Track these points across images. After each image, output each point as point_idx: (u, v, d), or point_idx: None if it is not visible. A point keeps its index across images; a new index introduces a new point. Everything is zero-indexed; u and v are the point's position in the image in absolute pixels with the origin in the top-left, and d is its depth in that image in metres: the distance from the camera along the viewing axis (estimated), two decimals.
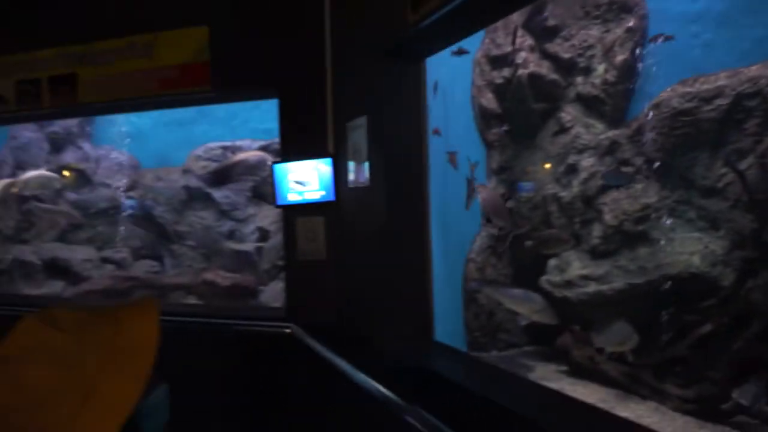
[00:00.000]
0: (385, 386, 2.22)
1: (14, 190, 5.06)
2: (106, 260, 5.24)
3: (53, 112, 4.30)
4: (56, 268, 5.11)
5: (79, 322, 0.85)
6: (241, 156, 5.14)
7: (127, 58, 3.82)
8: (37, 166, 5.24)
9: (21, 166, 5.22)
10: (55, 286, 5.03)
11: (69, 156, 5.45)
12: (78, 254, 5.21)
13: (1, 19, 4.26)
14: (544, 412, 1.93)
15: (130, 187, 5.37)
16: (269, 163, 5.08)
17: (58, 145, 5.44)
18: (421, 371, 2.44)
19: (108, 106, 4.09)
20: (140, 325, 0.86)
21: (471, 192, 3.09)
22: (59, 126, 5.39)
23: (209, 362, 3.49)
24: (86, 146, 5.56)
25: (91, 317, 0.87)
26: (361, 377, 2.37)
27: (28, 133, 5.29)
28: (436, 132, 2.95)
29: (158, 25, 3.70)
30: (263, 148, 5.19)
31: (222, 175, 5.24)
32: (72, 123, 5.41)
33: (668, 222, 2.54)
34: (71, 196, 5.42)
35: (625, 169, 2.72)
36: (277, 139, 4.90)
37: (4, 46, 4.22)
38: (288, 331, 3.26)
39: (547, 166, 2.97)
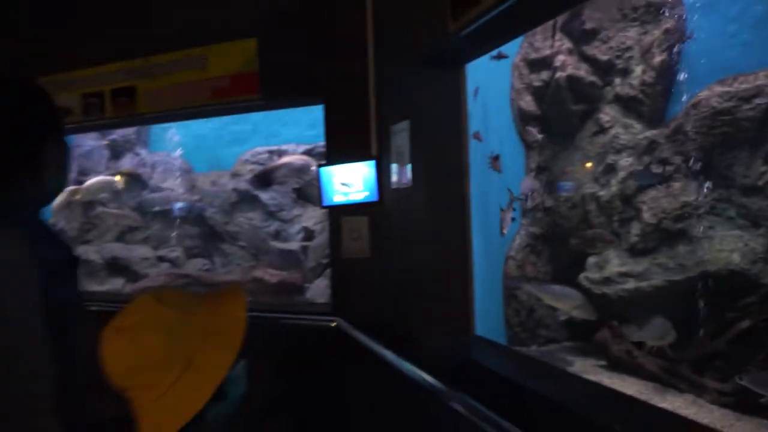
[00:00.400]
0: (427, 372, 2.34)
1: (77, 196, 5.45)
2: (161, 259, 5.56)
3: (114, 122, 4.63)
4: (116, 267, 5.46)
5: (182, 302, 1.02)
6: (285, 159, 5.36)
7: (182, 70, 4.08)
8: (98, 173, 5.61)
9: (84, 172, 5.60)
10: (116, 283, 5.38)
11: (127, 162, 5.81)
12: (136, 253, 5.56)
13: (68, 38, 4.62)
14: (583, 401, 2.00)
15: (184, 191, 5.68)
16: (312, 166, 5.28)
17: (117, 151, 5.81)
18: (464, 362, 2.55)
19: (164, 115, 4.37)
20: (233, 308, 1.03)
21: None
22: (118, 134, 5.75)
23: (259, 353, 3.69)
24: (143, 152, 5.91)
25: (192, 299, 1.05)
26: (406, 366, 2.49)
27: (90, 141, 5.67)
28: (477, 137, 3.06)
29: (211, 38, 3.94)
30: (307, 152, 5.40)
31: (267, 178, 5.47)
32: (130, 131, 5.77)
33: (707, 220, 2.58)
34: (129, 199, 5.78)
35: (662, 168, 2.76)
36: (320, 143, 5.11)
37: (71, 63, 4.57)
38: (333, 324, 3.43)
39: (588, 165, 3.03)
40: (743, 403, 2.39)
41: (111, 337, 0.96)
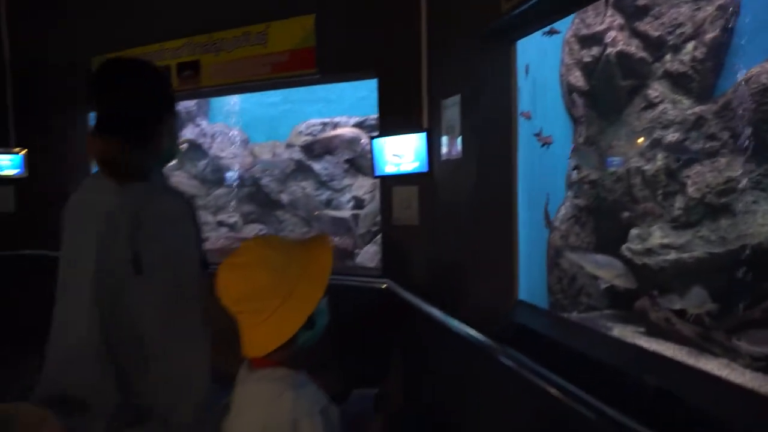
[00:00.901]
0: (472, 328, 2.53)
1: None
2: (220, 223, 5.94)
3: (180, 94, 4.93)
4: None
5: (284, 245, 1.26)
6: (337, 131, 5.58)
7: (243, 46, 4.31)
8: None
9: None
10: None
11: (189, 132, 6.16)
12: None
13: (135, 15, 4.92)
14: (620, 359, 2.14)
15: (241, 160, 6.01)
16: (362, 139, 5.47)
17: (180, 122, 6.17)
18: (507, 323, 2.72)
19: (226, 88, 4.64)
20: (321, 253, 1.26)
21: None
22: (181, 106, 6.10)
23: None
24: (203, 123, 6.25)
25: (291, 244, 1.28)
26: (453, 322, 2.69)
27: None
28: (526, 115, 3.15)
29: (270, 15, 4.15)
30: (359, 124, 5.60)
31: (319, 148, 5.72)
32: (191, 103, 6.10)
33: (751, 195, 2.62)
34: (190, 167, 6.16)
35: (710, 143, 2.81)
36: (371, 116, 5.29)
37: (139, 39, 4.87)
38: (384, 286, 3.67)
39: (638, 141, 3.06)
40: None
41: (226, 272, 1.22)
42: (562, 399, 1.78)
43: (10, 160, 5.30)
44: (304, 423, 1.13)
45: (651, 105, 3.05)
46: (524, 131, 3.00)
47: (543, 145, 3.38)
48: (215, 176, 6.11)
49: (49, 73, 5.39)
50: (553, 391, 1.84)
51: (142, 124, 1.44)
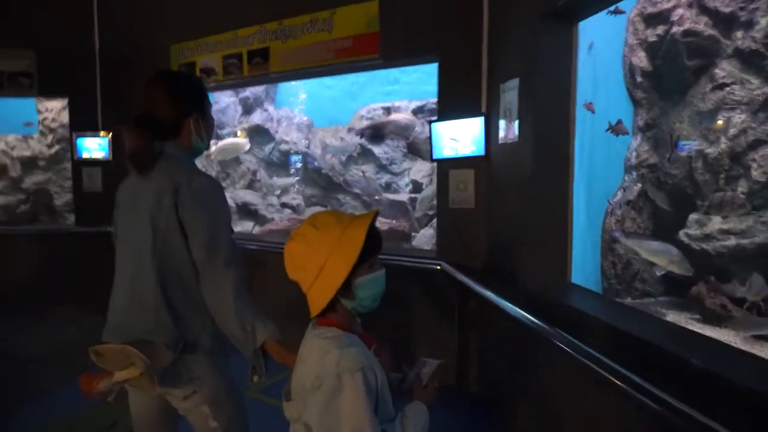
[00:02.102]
0: (525, 310, 2.56)
1: (211, 156, 6.12)
2: (284, 205, 6.21)
3: (250, 80, 5.20)
4: (247, 211, 6.20)
5: (326, 223, 1.39)
6: (392, 117, 5.68)
7: (310, 33, 4.49)
8: (233, 126, 6.32)
9: (220, 126, 6.34)
10: (247, 225, 6.12)
11: (257, 116, 6.45)
12: (263, 200, 6.26)
13: (211, 5, 5.22)
14: (677, 344, 2.09)
15: (306, 143, 6.25)
16: (416, 126, 5.55)
17: (248, 107, 6.47)
18: (560, 305, 2.73)
19: (294, 74, 4.84)
20: (355, 230, 1.34)
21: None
22: (249, 92, 6.39)
23: None
24: (270, 108, 6.53)
25: (335, 220, 1.39)
26: (505, 303, 2.73)
27: (225, 98, 6.37)
28: (589, 107, 3.10)
29: (336, 1, 4.29)
30: (419, 108, 5.67)
31: (377, 133, 5.84)
32: (259, 89, 6.38)
33: None
34: (257, 152, 6.46)
35: None
36: (432, 99, 5.35)
37: (213, 28, 5.17)
38: (438, 267, 3.76)
39: (719, 123, 2.91)
40: None
41: (287, 242, 1.40)
42: (615, 382, 1.79)
43: (98, 144, 5.79)
44: (346, 377, 1.26)
45: (717, 85, 2.93)
46: (581, 117, 2.96)
47: (617, 135, 3.31)
48: (280, 160, 6.38)
49: (132, 62, 5.82)
50: (604, 373, 1.85)
51: (164, 124, 1.83)
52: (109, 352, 1.67)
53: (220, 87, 5.51)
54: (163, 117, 1.82)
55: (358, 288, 1.36)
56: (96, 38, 5.89)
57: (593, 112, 3.20)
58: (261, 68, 4.90)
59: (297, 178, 6.24)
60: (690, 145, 3.09)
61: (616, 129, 3.28)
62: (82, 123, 5.87)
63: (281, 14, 4.64)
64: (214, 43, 5.21)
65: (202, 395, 1.79)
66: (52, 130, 7.32)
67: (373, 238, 1.38)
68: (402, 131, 5.67)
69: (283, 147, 6.33)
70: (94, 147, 5.81)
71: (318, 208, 6.08)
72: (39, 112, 7.39)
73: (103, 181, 5.92)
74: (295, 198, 6.16)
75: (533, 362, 2.82)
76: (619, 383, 1.79)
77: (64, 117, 6.61)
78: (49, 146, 7.36)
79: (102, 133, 5.83)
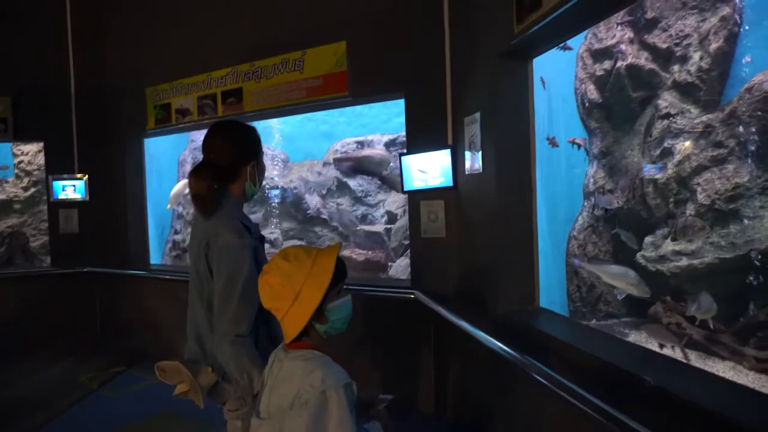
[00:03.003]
0: (496, 338, 2.63)
1: (187, 191, 6.21)
2: (261, 239, 6.25)
3: (225, 119, 5.30)
4: None
5: (297, 256, 1.51)
6: (366, 152, 5.83)
7: (282, 73, 4.64)
8: None
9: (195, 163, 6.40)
10: None
11: None
12: None
13: (185, 48, 5.36)
14: (634, 363, 2.19)
15: (282, 178, 6.34)
16: (390, 160, 5.70)
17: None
18: (528, 330, 2.82)
19: (267, 112, 4.97)
20: (324, 260, 1.49)
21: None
22: None
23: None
24: None
25: (304, 253, 1.52)
26: (476, 331, 2.80)
27: (201, 136, 6.45)
28: (553, 142, 3.28)
29: (306, 43, 4.45)
30: (391, 141, 5.82)
31: (347, 167, 5.97)
32: None
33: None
34: None
35: (718, 151, 2.85)
36: (402, 133, 5.51)
37: (187, 70, 5.31)
38: (411, 296, 3.83)
39: (653, 151, 3.06)
40: None
41: (260, 276, 1.52)
42: (582, 407, 1.86)
43: (74, 185, 5.82)
44: (332, 393, 1.38)
45: (661, 115, 3.12)
46: (541, 147, 3.11)
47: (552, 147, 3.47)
48: (259, 195, 6.46)
49: (108, 104, 5.92)
50: (572, 400, 1.92)
51: (224, 171, 1.99)
52: (168, 368, 1.93)
53: (196, 127, 5.61)
54: (223, 163, 1.99)
55: (331, 312, 1.49)
56: (72, 81, 5.99)
57: (557, 146, 3.38)
58: (235, 108, 5.03)
59: (274, 212, 6.31)
60: (654, 170, 3.25)
61: (552, 142, 3.46)
62: (58, 165, 5.91)
63: (253, 56, 4.79)
64: (189, 85, 5.34)
65: (243, 412, 1.99)
66: (28, 173, 7.33)
67: (340, 266, 1.51)
68: (376, 167, 5.79)
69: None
70: (71, 189, 5.84)
71: (295, 242, 6.14)
72: (15, 155, 7.40)
73: (80, 222, 5.94)
74: (273, 232, 6.22)
75: (507, 388, 2.88)
76: (584, 408, 1.85)
77: (41, 159, 6.64)
78: (25, 189, 7.35)
79: (78, 175, 5.87)
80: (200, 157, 2.13)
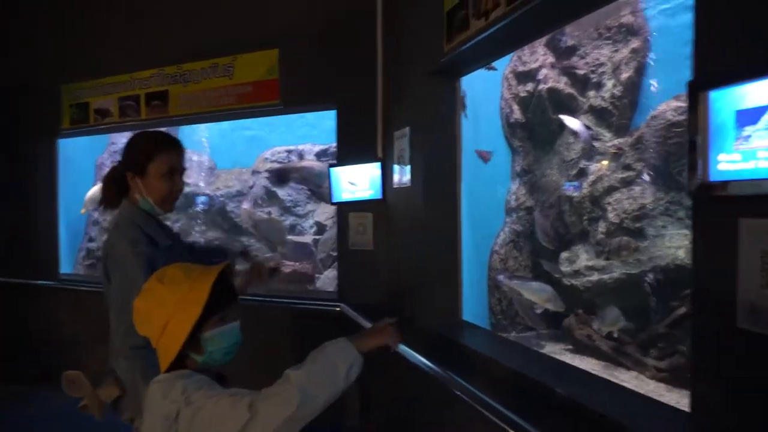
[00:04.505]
0: (421, 354, 2.65)
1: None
2: (190, 248, 5.99)
3: (148, 123, 5.07)
4: None
5: (174, 277, 1.34)
6: (305, 163, 5.76)
7: (210, 78, 4.50)
8: None
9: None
10: None
11: None
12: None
13: (106, 46, 5.09)
14: (548, 374, 2.29)
15: (208, 186, 6.13)
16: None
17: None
18: (451, 343, 2.86)
19: (194, 117, 4.80)
20: (201, 283, 1.31)
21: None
22: None
23: (272, 333, 4.10)
24: None
25: (182, 274, 1.34)
26: (400, 345, 2.81)
27: (123, 139, 6.14)
28: (482, 155, 3.36)
29: (237, 48, 4.35)
30: (322, 152, 5.78)
31: (286, 177, 5.86)
32: (161, 131, 6.22)
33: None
34: None
35: (627, 173, 3.08)
36: (333, 144, 5.48)
37: (109, 69, 5.04)
38: (338, 309, 3.80)
39: (570, 171, 3.23)
40: (675, 378, 2.70)
41: (136, 298, 1.38)
42: (502, 425, 1.90)
43: None
44: (196, 397, 1.24)
45: (578, 137, 3.31)
46: (467, 161, 3.20)
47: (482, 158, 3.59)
48: (181, 202, 6.20)
49: (18, 102, 5.49)
50: (491, 416, 1.96)
51: (118, 179, 1.98)
52: (72, 378, 1.91)
53: (117, 129, 5.32)
54: (118, 171, 1.99)
55: (207, 342, 1.33)
56: None
57: (487, 159, 3.48)
58: (160, 111, 4.82)
59: (199, 220, 6.08)
60: (574, 186, 3.42)
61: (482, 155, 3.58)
62: None
63: (180, 59, 4.62)
64: (110, 85, 5.06)
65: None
66: None
67: (226, 288, 1.37)
68: (315, 178, 5.72)
69: (185, 189, 6.16)
70: None
71: None
72: None
73: None
74: (196, 242, 5.98)
75: (431, 403, 2.90)
76: (504, 425, 1.89)
77: None
78: None
79: None
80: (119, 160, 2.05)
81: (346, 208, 3.93)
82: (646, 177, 3.03)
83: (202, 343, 1.33)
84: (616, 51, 3.29)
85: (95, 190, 5.86)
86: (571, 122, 3.16)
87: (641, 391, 2.14)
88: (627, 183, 3.12)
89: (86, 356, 3.86)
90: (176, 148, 2.05)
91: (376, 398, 3.77)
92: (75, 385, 1.91)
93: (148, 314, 1.34)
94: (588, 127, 3.21)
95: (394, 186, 3.47)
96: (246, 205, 5.88)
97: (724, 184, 1.31)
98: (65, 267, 5.84)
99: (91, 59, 5.15)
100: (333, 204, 4.03)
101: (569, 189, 3.44)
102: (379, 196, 3.68)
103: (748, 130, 1.27)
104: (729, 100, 1.31)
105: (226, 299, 1.37)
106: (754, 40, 1.28)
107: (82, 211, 5.92)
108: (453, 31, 2.69)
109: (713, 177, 1.34)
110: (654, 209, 2.98)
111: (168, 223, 2.37)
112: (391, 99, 3.60)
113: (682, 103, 2.98)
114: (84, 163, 6.28)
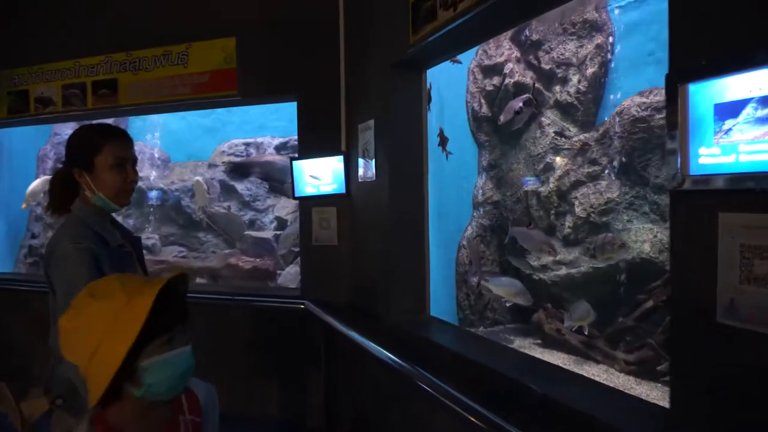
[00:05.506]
0: (388, 350, 2.61)
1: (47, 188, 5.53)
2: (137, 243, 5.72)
3: (96, 112, 4.78)
4: None
5: (108, 292, 1.09)
6: (268, 158, 5.58)
7: (163, 66, 4.27)
8: None
9: (61, 160, 5.72)
10: None
11: None
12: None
13: (50, 30, 4.76)
14: (517, 369, 2.29)
15: (161, 180, 5.86)
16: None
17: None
18: (419, 339, 2.82)
19: (145, 107, 4.55)
20: (141, 299, 1.05)
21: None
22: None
23: (234, 332, 3.96)
24: None
25: (119, 287, 1.08)
26: (365, 341, 2.75)
27: (69, 130, 5.79)
28: (442, 135, 3.29)
29: (192, 36, 4.15)
30: (282, 144, 5.63)
31: (247, 171, 5.67)
32: (108, 121, 5.90)
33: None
34: None
35: (593, 168, 3.12)
36: (293, 137, 5.34)
37: (52, 55, 4.71)
38: (302, 306, 3.70)
39: (537, 165, 3.26)
40: (643, 371, 2.77)
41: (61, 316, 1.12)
42: (473, 420, 1.86)
43: None
44: None
45: (544, 132, 3.32)
46: (434, 155, 3.16)
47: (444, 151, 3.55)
48: (133, 197, 5.91)
49: None
50: (462, 412, 1.92)
51: (66, 176, 1.84)
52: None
53: (61, 119, 5.00)
54: (64, 167, 1.85)
55: (146, 372, 1.07)
56: None
57: (446, 142, 3.41)
58: (108, 100, 4.54)
59: (151, 215, 5.82)
60: (534, 181, 3.43)
61: (443, 143, 3.54)
62: None
63: (130, 45, 4.37)
64: (53, 71, 4.74)
65: None
66: None
67: (174, 305, 1.12)
68: (278, 173, 5.56)
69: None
70: None
71: (175, 248, 5.71)
72: None
73: None
74: (150, 237, 5.73)
75: (399, 400, 2.85)
76: (474, 420, 1.86)
77: None
78: None
79: None
80: (63, 152, 1.90)
81: (309, 203, 3.82)
82: (610, 172, 3.08)
83: (139, 373, 1.07)
84: (581, 47, 3.31)
85: (37, 183, 5.51)
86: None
87: (611, 385, 2.17)
88: (593, 177, 3.16)
89: (25, 362, 3.61)
90: (124, 137, 1.91)
91: (342, 398, 3.70)
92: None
93: (76, 336, 1.08)
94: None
95: (359, 180, 3.39)
96: (198, 177, 5.61)
97: (705, 178, 1.30)
98: (4, 266, 5.48)
99: (32, 43, 4.81)
100: (295, 199, 3.91)
101: (535, 183, 3.45)
102: (342, 190, 3.60)
103: (728, 123, 1.26)
104: (708, 93, 1.30)
105: (174, 318, 1.12)
106: (733, 31, 1.27)
107: (24, 206, 5.57)
108: (419, 22, 2.63)
109: (693, 171, 1.33)
110: (620, 204, 3.03)
111: (119, 218, 2.20)
112: (355, 91, 3.51)
113: (646, 99, 3.05)
114: (25, 155, 5.90)
